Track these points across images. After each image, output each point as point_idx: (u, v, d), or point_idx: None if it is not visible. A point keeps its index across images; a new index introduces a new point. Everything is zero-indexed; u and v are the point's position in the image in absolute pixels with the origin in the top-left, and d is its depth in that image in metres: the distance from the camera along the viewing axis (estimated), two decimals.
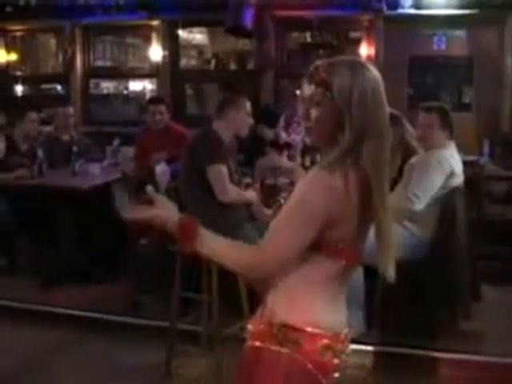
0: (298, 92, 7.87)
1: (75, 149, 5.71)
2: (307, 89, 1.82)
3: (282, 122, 6.38)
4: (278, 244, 1.76)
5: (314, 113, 1.80)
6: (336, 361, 1.82)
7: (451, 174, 4.15)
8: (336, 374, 1.84)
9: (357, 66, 1.79)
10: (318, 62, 1.82)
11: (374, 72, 1.80)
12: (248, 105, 4.14)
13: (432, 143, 4.26)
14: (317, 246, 1.76)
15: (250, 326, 1.92)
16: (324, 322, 1.81)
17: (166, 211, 1.89)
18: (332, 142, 1.78)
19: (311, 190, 1.74)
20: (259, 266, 1.77)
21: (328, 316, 1.83)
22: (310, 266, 1.79)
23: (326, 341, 1.79)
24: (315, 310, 1.81)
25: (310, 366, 1.77)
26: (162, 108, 5.70)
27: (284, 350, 1.78)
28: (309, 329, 1.78)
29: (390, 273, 1.88)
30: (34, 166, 5.48)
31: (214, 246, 1.83)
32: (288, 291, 1.82)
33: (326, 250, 1.77)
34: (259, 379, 1.82)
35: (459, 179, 4.23)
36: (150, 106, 5.76)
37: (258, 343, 1.85)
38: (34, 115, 5.91)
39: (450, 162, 4.19)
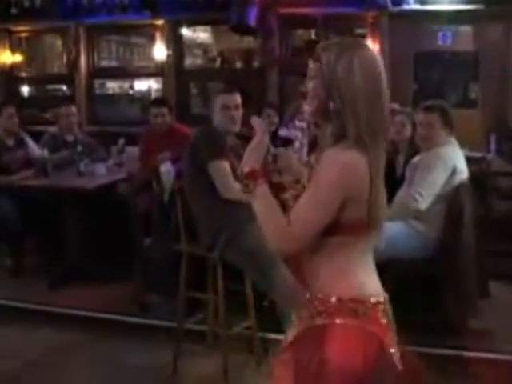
0: (303, 89, 7.86)
1: (79, 148, 5.71)
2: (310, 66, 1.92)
3: (286, 119, 6.36)
4: (302, 220, 1.82)
5: (309, 86, 1.92)
6: (386, 320, 1.92)
7: (454, 171, 4.14)
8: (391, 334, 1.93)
9: (349, 43, 1.90)
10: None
11: (370, 52, 1.88)
12: (231, 98, 4.06)
13: (433, 142, 4.25)
14: (335, 228, 1.83)
15: (299, 311, 1.97)
16: (375, 289, 1.93)
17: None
18: (326, 114, 1.87)
19: (331, 169, 1.81)
20: (286, 237, 1.83)
21: (375, 283, 1.94)
22: (337, 246, 1.87)
23: (382, 306, 1.91)
24: (364, 281, 1.91)
25: (379, 334, 1.87)
26: (164, 110, 5.67)
27: (355, 322, 1.85)
28: (372, 299, 1.88)
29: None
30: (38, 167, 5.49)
31: (268, 197, 1.88)
32: (329, 269, 1.90)
33: (344, 230, 1.84)
34: (336, 355, 1.82)
35: (463, 175, 4.21)
36: (152, 108, 5.75)
37: (320, 321, 1.89)
38: (10, 110, 5.94)
39: (453, 159, 4.18)
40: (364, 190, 1.82)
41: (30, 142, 6.00)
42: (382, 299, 1.91)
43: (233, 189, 3.77)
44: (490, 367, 3.88)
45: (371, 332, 1.85)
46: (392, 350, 1.87)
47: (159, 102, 5.96)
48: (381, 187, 1.87)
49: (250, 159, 1.91)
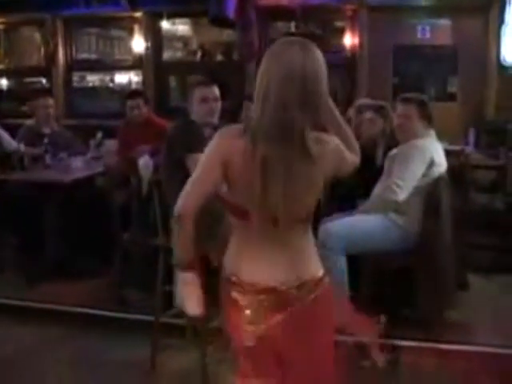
0: None
1: (46, 140, 5.67)
2: None
3: None
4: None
5: None
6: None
7: (432, 163, 4.15)
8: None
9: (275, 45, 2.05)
10: None
11: (290, 50, 1.99)
12: (209, 91, 4.05)
13: (411, 134, 4.26)
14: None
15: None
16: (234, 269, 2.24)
17: None
18: None
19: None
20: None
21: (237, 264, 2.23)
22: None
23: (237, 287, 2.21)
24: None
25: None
26: (140, 102, 5.68)
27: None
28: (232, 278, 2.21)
29: None
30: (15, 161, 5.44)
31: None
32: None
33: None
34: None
35: (441, 168, 4.22)
36: (128, 100, 5.74)
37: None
38: None
39: (431, 151, 4.19)
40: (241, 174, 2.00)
41: (6, 136, 5.93)
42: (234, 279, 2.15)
43: None
44: (467, 359, 3.89)
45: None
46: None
47: (134, 94, 5.97)
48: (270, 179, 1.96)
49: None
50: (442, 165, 4.24)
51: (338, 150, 2.09)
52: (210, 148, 2.10)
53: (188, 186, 2.13)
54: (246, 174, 1.99)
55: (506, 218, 5.57)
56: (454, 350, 4.01)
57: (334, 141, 2.09)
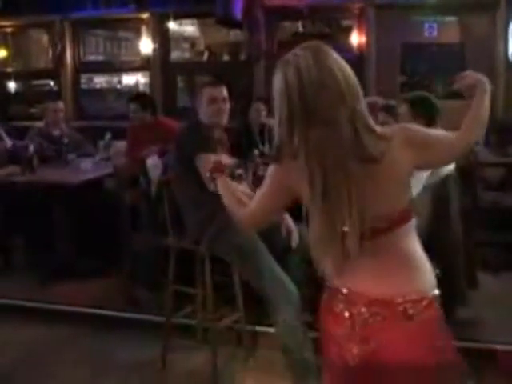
0: None
1: (65, 140, 5.70)
2: None
3: None
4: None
5: None
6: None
7: None
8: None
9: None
10: None
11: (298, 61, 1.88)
12: (218, 91, 4.04)
13: None
14: None
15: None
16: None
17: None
18: None
19: None
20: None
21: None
22: None
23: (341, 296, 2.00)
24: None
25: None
26: (139, 106, 5.70)
27: None
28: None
29: None
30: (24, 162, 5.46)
31: (230, 187, 2.27)
32: None
33: None
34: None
35: (450, 166, 4.20)
36: (129, 104, 5.77)
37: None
38: None
39: None
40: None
41: (4, 135, 5.96)
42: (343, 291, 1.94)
43: None
44: (477, 357, 3.88)
45: None
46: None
47: (134, 97, 5.97)
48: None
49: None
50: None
51: (409, 139, 1.90)
52: (270, 175, 2.03)
53: (252, 203, 2.10)
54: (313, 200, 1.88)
55: None
56: (464, 347, 4.00)
57: (400, 130, 1.93)
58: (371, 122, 1.87)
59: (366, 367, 1.88)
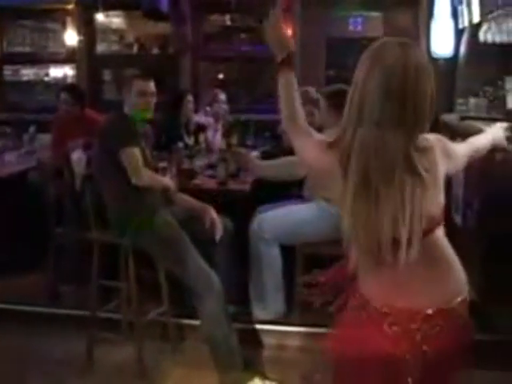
0: (222, 76, 7.88)
1: None
2: None
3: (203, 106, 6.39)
4: None
5: None
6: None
7: None
8: None
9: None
10: None
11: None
12: (147, 85, 4.01)
13: (324, 125, 4.25)
14: None
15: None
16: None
17: None
18: None
19: None
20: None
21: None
22: None
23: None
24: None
25: None
26: (70, 96, 5.62)
27: None
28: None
29: None
30: None
31: (290, 85, 2.05)
32: None
33: None
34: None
35: None
36: (61, 93, 5.68)
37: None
38: None
39: None
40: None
41: None
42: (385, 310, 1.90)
43: (143, 175, 3.78)
44: None
45: None
46: None
47: (67, 87, 5.90)
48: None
49: (275, 50, 2.06)
50: None
51: (443, 150, 1.98)
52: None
53: (302, 125, 2.02)
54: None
55: None
56: None
57: (437, 141, 1.97)
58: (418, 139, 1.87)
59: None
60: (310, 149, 1.96)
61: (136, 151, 3.77)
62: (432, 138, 1.94)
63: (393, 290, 1.89)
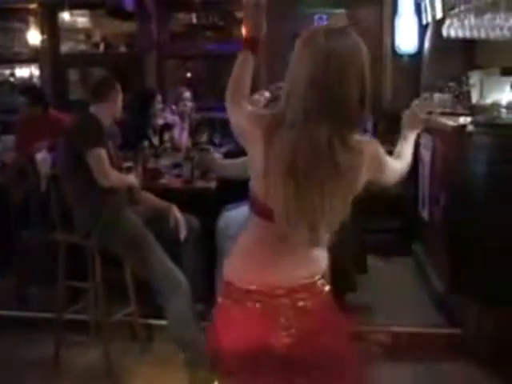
0: (188, 74, 7.86)
1: None
2: None
3: (168, 104, 6.35)
4: None
5: None
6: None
7: None
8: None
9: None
10: None
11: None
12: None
13: None
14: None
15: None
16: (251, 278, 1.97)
17: None
18: None
19: None
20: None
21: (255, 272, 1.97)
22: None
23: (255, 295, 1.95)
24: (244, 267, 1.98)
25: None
26: (27, 99, 5.56)
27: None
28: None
29: None
30: None
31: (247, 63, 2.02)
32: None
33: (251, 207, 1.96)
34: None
35: None
36: (19, 96, 5.63)
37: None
38: None
39: None
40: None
41: None
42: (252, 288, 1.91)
43: (110, 176, 3.76)
44: (366, 340, 4.02)
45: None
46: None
47: (23, 90, 5.83)
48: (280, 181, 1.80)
49: (250, 25, 2.03)
50: None
51: (373, 157, 1.89)
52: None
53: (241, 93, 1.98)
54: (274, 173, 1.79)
55: (403, 202, 5.74)
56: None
57: (370, 147, 1.89)
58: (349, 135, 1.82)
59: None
60: (239, 115, 1.93)
61: (102, 152, 3.75)
62: (367, 142, 1.88)
63: (265, 267, 1.91)
